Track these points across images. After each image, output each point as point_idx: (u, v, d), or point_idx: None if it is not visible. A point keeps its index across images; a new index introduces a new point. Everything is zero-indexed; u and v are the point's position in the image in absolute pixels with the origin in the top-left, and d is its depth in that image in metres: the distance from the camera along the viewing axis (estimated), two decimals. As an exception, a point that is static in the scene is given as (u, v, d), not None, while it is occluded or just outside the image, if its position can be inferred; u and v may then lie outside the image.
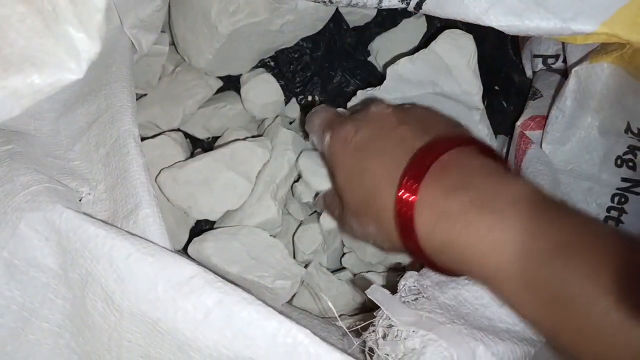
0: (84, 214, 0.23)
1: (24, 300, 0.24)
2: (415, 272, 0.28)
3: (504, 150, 0.41)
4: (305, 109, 0.42)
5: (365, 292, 0.26)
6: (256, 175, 0.37)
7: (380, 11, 0.42)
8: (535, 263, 0.22)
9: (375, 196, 0.27)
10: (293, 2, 0.36)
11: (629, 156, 0.36)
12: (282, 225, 0.38)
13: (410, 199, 0.25)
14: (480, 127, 0.38)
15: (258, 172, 0.37)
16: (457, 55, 0.34)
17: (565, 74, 0.40)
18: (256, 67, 0.41)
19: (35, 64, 0.24)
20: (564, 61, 0.39)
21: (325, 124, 0.33)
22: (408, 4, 0.31)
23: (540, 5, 0.28)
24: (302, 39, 0.41)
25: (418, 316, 0.24)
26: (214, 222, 0.38)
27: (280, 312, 0.21)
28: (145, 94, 0.40)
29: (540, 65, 0.42)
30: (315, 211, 0.40)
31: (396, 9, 0.32)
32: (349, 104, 0.39)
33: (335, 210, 0.34)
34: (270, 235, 0.36)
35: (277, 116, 0.42)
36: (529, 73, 0.43)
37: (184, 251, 0.36)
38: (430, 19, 0.43)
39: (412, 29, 0.43)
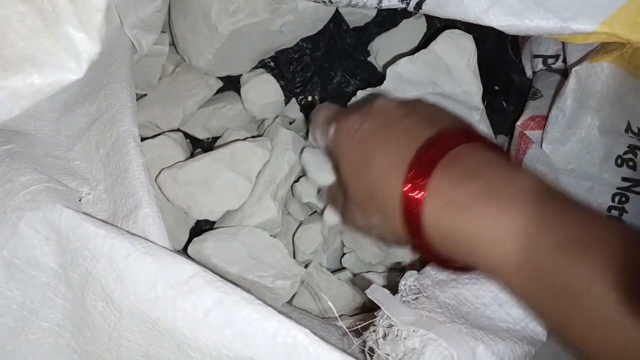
0: (84, 213, 0.23)
1: (24, 299, 0.24)
2: (415, 272, 0.28)
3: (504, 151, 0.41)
4: (305, 109, 0.42)
5: (365, 292, 0.26)
6: (256, 176, 0.37)
7: (380, 11, 0.42)
8: (543, 255, 0.22)
9: (380, 186, 0.27)
10: (293, 2, 0.36)
11: (629, 155, 0.36)
12: (282, 225, 0.38)
13: (417, 196, 0.25)
14: (480, 127, 0.38)
15: (258, 172, 0.37)
16: (457, 55, 0.34)
17: (565, 74, 0.40)
18: (256, 67, 0.42)
19: (35, 64, 0.24)
20: (564, 61, 0.39)
21: (330, 118, 0.33)
22: (408, 4, 0.31)
23: (540, 4, 0.28)
24: (302, 39, 0.41)
25: (418, 316, 0.24)
26: (214, 222, 0.38)
27: (280, 312, 0.21)
28: (145, 94, 0.40)
29: (540, 65, 0.42)
30: (315, 211, 0.40)
31: (396, 9, 0.32)
32: (349, 104, 0.39)
33: (339, 203, 0.34)
34: (270, 235, 0.36)
35: (277, 116, 0.42)
36: (529, 73, 0.43)
37: (184, 251, 0.36)
38: (430, 19, 0.43)
39: (412, 29, 0.43)
